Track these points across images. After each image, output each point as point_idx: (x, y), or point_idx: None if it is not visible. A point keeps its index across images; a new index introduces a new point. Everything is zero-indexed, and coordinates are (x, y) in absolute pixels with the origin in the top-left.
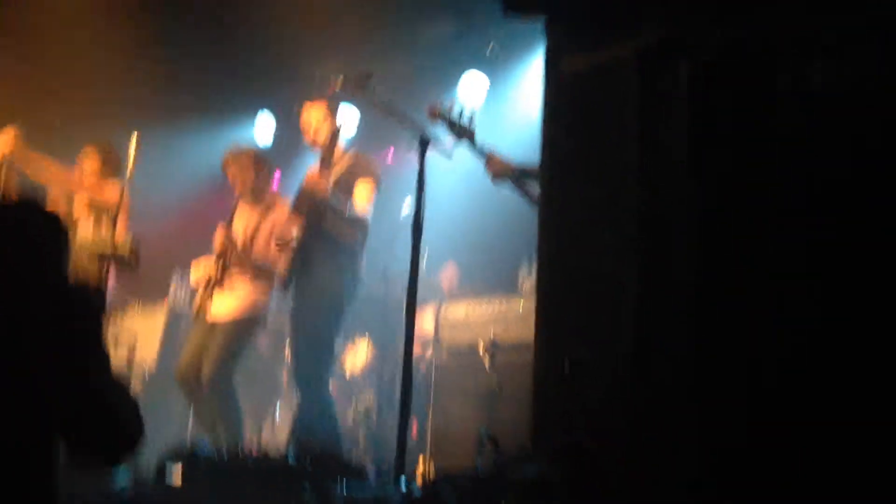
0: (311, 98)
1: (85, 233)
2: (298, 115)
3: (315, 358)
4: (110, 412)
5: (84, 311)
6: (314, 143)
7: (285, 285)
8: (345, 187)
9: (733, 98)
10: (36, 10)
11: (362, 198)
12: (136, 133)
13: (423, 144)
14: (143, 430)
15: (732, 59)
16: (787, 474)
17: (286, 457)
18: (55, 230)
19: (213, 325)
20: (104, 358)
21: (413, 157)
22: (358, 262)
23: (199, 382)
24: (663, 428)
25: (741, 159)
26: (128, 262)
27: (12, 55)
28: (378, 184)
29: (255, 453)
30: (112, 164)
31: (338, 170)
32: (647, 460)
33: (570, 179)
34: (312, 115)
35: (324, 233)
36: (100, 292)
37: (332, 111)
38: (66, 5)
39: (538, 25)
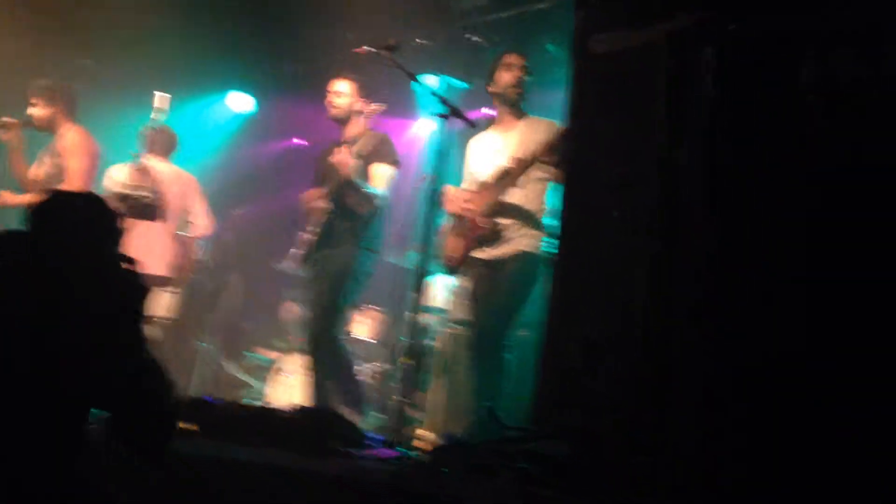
0: (338, 65)
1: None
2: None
3: (329, 322)
4: (153, 399)
5: (127, 292)
6: (336, 117)
7: (306, 257)
8: (365, 164)
9: (757, 84)
10: None
11: (382, 180)
12: (159, 95)
13: (445, 114)
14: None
15: (759, 45)
16: (794, 469)
17: (292, 414)
18: (99, 213)
19: None
20: (141, 339)
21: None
22: (373, 235)
23: None
24: (668, 414)
25: (762, 144)
26: (148, 207)
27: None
28: (398, 169)
29: (261, 408)
30: (65, 106)
31: (360, 146)
32: (648, 445)
33: (594, 158)
34: (339, 87)
35: (344, 207)
36: (136, 271)
37: (360, 90)
38: None
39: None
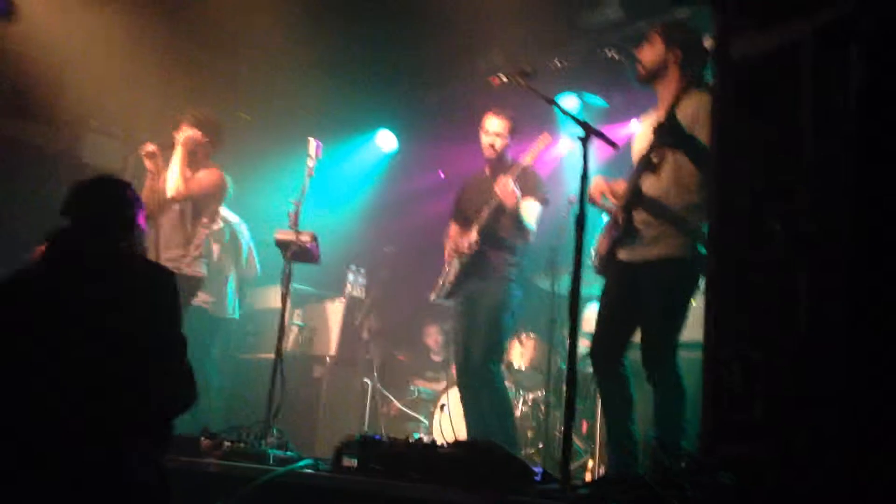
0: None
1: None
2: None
3: (486, 356)
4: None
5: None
6: (490, 158)
7: (453, 290)
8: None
9: None
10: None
11: (531, 214)
12: (315, 141)
13: (587, 137)
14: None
15: None
16: None
17: (452, 447)
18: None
19: None
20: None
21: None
22: (524, 267)
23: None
24: (839, 438)
25: None
26: (308, 253)
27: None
28: (544, 203)
29: (423, 442)
30: (211, 142)
31: (515, 179)
32: (821, 473)
33: (741, 165)
34: (495, 125)
35: (497, 239)
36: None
37: (513, 126)
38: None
39: (705, 11)
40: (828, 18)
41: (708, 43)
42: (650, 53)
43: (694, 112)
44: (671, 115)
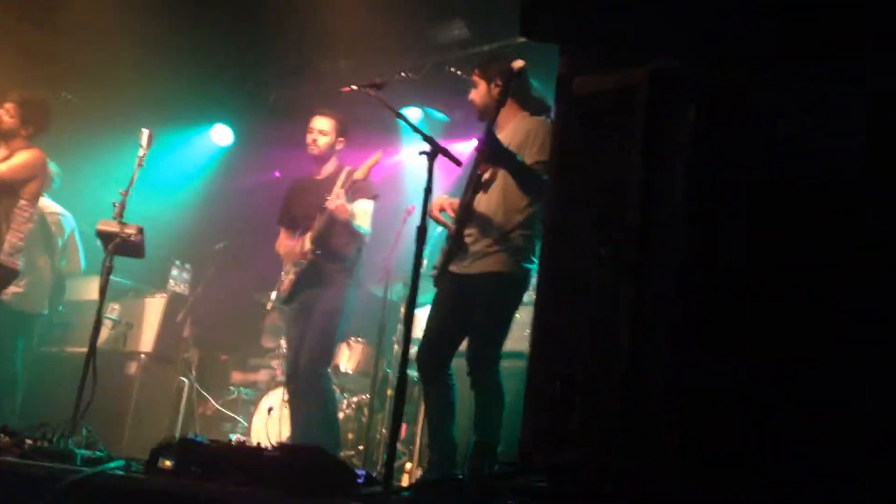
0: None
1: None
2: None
3: (316, 360)
4: None
5: None
6: (315, 150)
7: (289, 298)
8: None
9: (733, 134)
10: None
11: (365, 216)
12: (147, 131)
13: (433, 151)
14: None
15: (736, 98)
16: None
17: (277, 450)
18: None
19: None
20: None
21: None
22: (357, 272)
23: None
24: (656, 447)
25: (739, 188)
26: (132, 246)
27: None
28: (377, 202)
29: (247, 445)
30: (31, 124)
31: (344, 185)
32: (638, 478)
33: (576, 196)
34: (322, 125)
35: (331, 248)
36: None
37: (340, 126)
38: None
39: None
40: (658, 68)
41: (518, 65)
42: (477, 95)
43: (522, 135)
44: (493, 137)
